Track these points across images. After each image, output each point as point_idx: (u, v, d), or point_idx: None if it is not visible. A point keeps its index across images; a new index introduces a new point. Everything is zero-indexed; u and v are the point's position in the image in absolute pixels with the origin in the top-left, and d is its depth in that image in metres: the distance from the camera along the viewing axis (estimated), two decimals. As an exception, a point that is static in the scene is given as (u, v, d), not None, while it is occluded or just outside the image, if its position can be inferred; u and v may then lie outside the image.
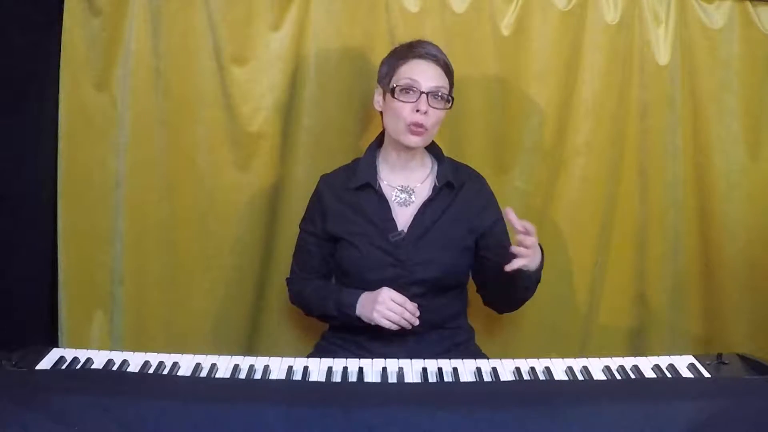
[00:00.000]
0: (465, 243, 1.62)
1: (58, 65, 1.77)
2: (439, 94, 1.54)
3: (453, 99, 1.58)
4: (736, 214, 1.97)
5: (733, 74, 1.91)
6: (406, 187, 1.63)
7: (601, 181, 1.95)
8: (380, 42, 1.81)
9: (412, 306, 1.50)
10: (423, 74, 1.53)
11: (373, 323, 1.50)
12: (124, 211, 1.85)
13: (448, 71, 1.58)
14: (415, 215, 1.59)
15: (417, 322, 1.51)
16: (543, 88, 1.89)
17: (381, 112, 1.62)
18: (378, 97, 1.61)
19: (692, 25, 1.89)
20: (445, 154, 1.70)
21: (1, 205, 1.69)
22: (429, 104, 1.52)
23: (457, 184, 1.63)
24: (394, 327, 1.49)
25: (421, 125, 1.52)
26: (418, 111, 1.52)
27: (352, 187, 1.61)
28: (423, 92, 1.52)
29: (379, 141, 1.66)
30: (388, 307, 1.48)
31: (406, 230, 1.58)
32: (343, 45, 1.83)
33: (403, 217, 1.60)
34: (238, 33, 1.81)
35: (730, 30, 1.89)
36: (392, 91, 1.54)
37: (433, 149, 1.67)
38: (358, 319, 1.53)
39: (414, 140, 1.54)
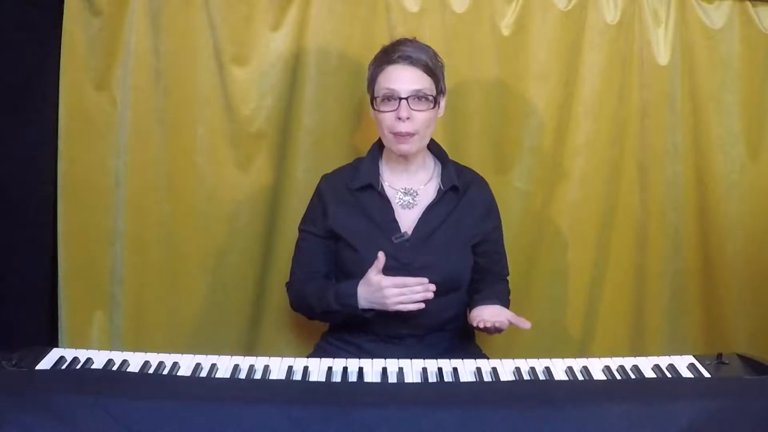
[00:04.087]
0: (467, 247, 1.61)
1: (58, 65, 1.77)
2: (420, 96, 1.50)
3: (441, 96, 1.55)
4: (736, 214, 1.97)
5: (733, 74, 1.92)
6: (409, 190, 1.61)
7: (601, 181, 1.95)
8: (380, 42, 1.79)
9: (414, 281, 1.46)
10: (399, 80, 1.50)
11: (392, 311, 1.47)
12: (124, 211, 1.84)
13: (428, 70, 1.52)
14: (420, 218, 1.58)
15: (431, 294, 1.46)
16: (543, 88, 1.89)
17: None
18: (370, 106, 1.59)
19: (692, 25, 1.90)
20: (444, 154, 1.70)
21: (1, 205, 1.69)
22: (411, 108, 1.49)
23: (462, 188, 1.62)
24: (414, 307, 1.46)
25: (405, 134, 1.50)
26: (399, 119, 1.49)
27: (354, 187, 1.60)
28: (402, 98, 1.49)
29: (381, 142, 1.65)
30: (396, 295, 1.44)
31: (410, 233, 1.57)
32: (343, 45, 1.83)
33: (407, 220, 1.59)
34: (238, 33, 1.81)
35: (730, 30, 1.90)
36: (373, 102, 1.53)
37: (436, 151, 1.66)
38: (363, 310, 1.50)
39: (403, 148, 1.53)
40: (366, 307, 1.50)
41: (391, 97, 1.50)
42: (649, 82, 1.92)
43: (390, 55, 1.52)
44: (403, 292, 1.45)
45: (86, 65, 1.78)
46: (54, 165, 1.81)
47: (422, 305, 1.46)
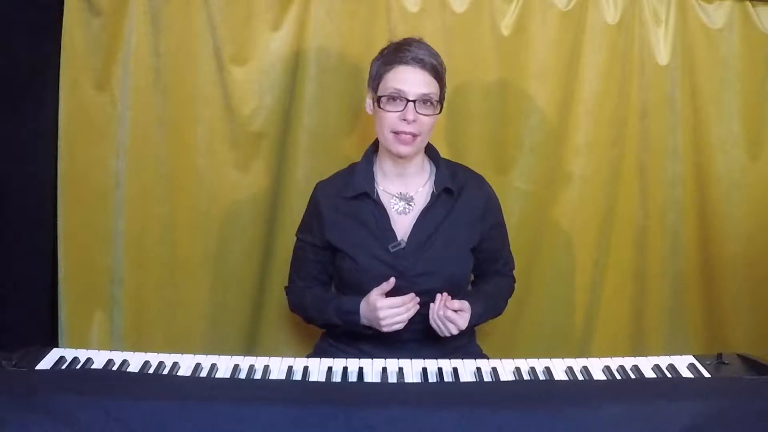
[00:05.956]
0: (466, 249, 1.59)
1: (58, 65, 1.77)
2: (427, 100, 1.49)
3: (443, 101, 1.54)
4: (736, 214, 1.97)
5: (733, 74, 1.92)
6: (404, 195, 1.58)
7: (601, 181, 1.95)
8: (380, 42, 1.79)
9: (408, 298, 1.47)
10: (409, 82, 1.47)
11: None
12: (124, 211, 1.85)
13: (437, 74, 1.50)
14: (415, 224, 1.56)
15: (417, 307, 1.48)
16: (543, 88, 1.89)
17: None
18: (368, 101, 1.57)
19: (692, 25, 1.90)
20: (445, 155, 1.69)
21: (1, 205, 1.69)
22: (417, 111, 1.47)
23: (456, 189, 1.59)
24: (400, 326, 1.47)
25: (408, 134, 1.48)
26: (405, 120, 1.48)
27: (349, 196, 1.57)
28: (410, 100, 1.47)
29: (375, 146, 1.62)
30: (391, 316, 1.45)
31: (406, 240, 1.55)
32: (343, 45, 1.83)
33: (403, 226, 1.56)
34: (238, 33, 1.81)
35: (730, 30, 1.90)
36: (378, 101, 1.50)
37: (431, 153, 1.64)
38: (364, 326, 1.51)
39: (402, 149, 1.50)
40: (366, 324, 1.51)
41: (398, 97, 1.48)
42: (649, 82, 1.92)
43: (401, 54, 1.49)
44: (399, 314, 1.45)
45: (86, 65, 1.78)
46: (54, 165, 1.81)
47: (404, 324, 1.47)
